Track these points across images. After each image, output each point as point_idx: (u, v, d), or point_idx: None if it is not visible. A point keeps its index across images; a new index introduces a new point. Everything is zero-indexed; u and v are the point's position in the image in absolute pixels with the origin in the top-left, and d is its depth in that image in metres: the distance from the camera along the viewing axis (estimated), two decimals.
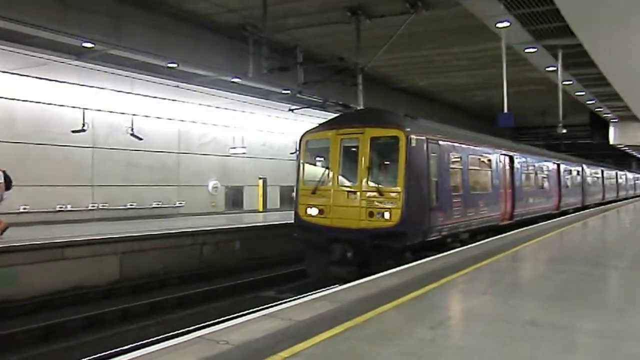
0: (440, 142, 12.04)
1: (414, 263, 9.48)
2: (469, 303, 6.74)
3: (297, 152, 12.28)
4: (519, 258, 10.64)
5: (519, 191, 16.85)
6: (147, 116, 19.89)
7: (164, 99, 20.31)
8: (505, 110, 15.00)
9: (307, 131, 12.48)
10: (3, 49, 14.48)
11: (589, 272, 8.78)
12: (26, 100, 16.47)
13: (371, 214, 10.86)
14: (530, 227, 15.88)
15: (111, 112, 18.71)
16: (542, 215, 19.31)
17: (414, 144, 10.89)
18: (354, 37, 14.97)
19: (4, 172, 12.39)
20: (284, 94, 20.28)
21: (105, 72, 16.74)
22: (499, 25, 13.45)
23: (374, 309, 6.04)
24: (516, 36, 14.58)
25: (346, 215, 11.16)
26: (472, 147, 13.93)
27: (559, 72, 17.55)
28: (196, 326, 8.51)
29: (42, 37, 13.99)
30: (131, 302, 10.98)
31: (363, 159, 11.14)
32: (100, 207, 18.07)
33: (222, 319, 8.75)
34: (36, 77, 16.37)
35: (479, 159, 14.31)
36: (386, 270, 8.44)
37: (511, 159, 16.38)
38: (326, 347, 4.80)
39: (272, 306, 6.84)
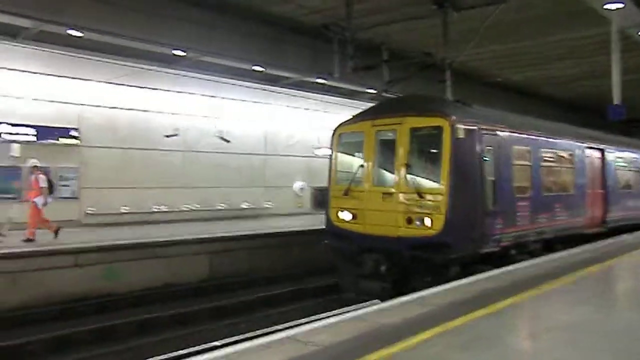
0: (499, 133, 10.23)
1: (508, 268, 8.79)
2: (572, 314, 6.11)
3: (330, 148, 11.17)
4: (627, 267, 9.59)
5: (613, 192, 14.51)
6: (234, 119, 20.47)
7: (251, 101, 20.82)
8: (616, 102, 13.67)
9: (342, 123, 11.14)
10: (103, 61, 15.46)
11: None
12: (126, 108, 17.50)
13: (409, 220, 9.27)
14: (635, 233, 13.89)
15: (201, 116, 19.42)
16: None
17: (461, 134, 9.19)
18: (441, 31, 14.43)
19: (47, 176, 12.83)
20: (369, 93, 20.03)
21: (195, 77, 17.42)
22: (609, 6, 12.22)
23: (466, 315, 5.72)
24: (630, 18, 13.17)
25: (381, 221, 9.65)
26: (545, 138, 11.92)
27: None
28: (284, 326, 8.56)
29: (138, 48, 14.86)
30: (220, 300, 11.22)
31: (401, 154, 9.59)
32: (192, 209, 18.77)
33: (310, 319, 8.75)
34: (133, 86, 17.36)
35: (556, 153, 12.28)
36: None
37: (602, 153, 14.19)
38: (415, 352, 4.59)
39: (359, 308, 6.69)
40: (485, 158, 9.74)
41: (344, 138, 10.95)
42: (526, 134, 11.35)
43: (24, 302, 10.46)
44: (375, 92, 19.01)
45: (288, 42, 16.44)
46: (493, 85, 23.83)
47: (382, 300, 7.80)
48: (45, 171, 13.24)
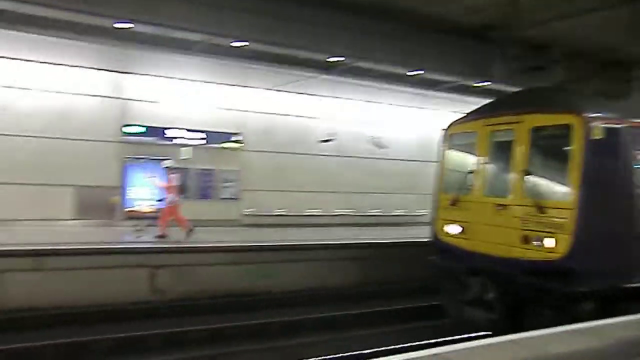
0: None
1: None
2: None
3: (439, 151, 9.93)
4: None
5: None
6: (389, 125, 20.25)
7: (406, 106, 20.48)
8: None
9: (453, 122, 9.85)
10: (264, 69, 16.31)
11: None
12: (284, 114, 18.28)
13: (526, 239, 7.76)
14: None
15: (356, 122, 19.53)
16: None
17: (597, 135, 7.44)
18: (629, 22, 12.59)
19: (181, 177, 13.14)
20: None
21: (351, 83, 17.53)
22: None
23: None
24: None
25: (492, 238, 8.27)
26: None
27: None
28: (432, 341, 8.10)
29: (297, 56, 15.32)
30: (370, 307, 10.91)
31: (518, 159, 8.14)
32: (344, 213, 18.87)
33: (460, 337, 8.20)
34: (292, 92, 18.07)
35: None
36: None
37: None
38: None
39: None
40: (636, 165, 7.92)
41: (455, 139, 9.70)
42: None
43: (182, 294, 11.24)
44: None
45: (447, 44, 15.70)
46: None
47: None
48: (179, 172, 13.51)
